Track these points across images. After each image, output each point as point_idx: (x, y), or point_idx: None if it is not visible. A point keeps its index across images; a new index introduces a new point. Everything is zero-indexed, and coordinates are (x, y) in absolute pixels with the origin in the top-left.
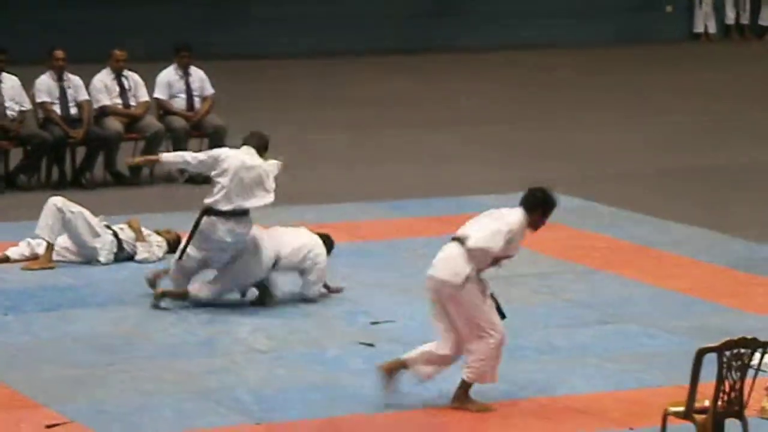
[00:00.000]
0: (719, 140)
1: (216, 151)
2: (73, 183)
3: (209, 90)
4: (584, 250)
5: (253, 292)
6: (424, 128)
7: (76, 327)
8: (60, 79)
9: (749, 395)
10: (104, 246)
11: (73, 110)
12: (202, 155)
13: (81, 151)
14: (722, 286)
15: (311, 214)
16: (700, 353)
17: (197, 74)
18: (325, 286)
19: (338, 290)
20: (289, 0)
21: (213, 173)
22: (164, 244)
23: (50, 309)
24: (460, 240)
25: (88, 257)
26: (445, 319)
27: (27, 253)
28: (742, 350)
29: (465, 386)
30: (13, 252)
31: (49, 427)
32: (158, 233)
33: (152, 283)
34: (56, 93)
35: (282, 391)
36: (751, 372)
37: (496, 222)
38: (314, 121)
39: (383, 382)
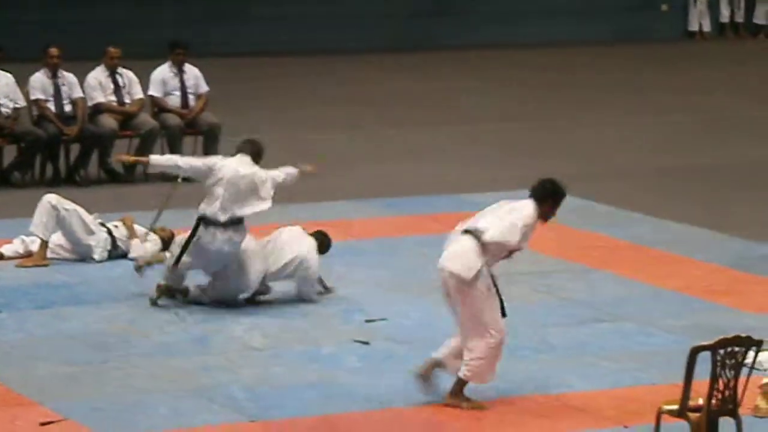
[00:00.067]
0: (717, 139)
1: (210, 160)
2: (68, 180)
3: (204, 87)
4: (583, 249)
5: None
6: (423, 127)
7: (70, 324)
8: (54, 76)
9: (743, 394)
10: (98, 243)
11: (68, 107)
12: (195, 161)
13: (75, 149)
14: (720, 285)
15: (305, 212)
16: (694, 351)
17: (192, 71)
18: (320, 281)
19: (330, 290)
20: None
21: (207, 182)
22: (158, 242)
23: (44, 306)
24: (473, 233)
25: (82, 255)
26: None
27: (21, 250)
28: (736, 348)
29: (460, 384)
30: (7, 249)
31: (43, 424)
32: (153, 231)
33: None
34: (50, 90)
35: (277, 389)
36: (745, 370)
37: (510, 215)
38: (313, 120)
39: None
